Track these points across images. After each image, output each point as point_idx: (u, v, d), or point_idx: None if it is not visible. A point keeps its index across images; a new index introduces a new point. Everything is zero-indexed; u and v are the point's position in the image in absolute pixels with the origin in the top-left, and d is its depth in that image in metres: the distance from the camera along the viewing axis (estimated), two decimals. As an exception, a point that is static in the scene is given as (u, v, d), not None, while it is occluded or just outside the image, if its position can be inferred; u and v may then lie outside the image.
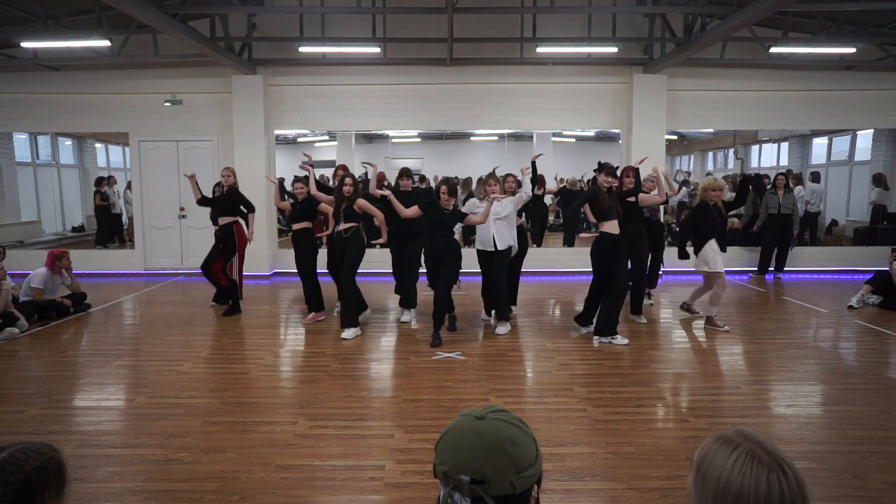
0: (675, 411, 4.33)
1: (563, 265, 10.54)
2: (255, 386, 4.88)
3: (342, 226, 6.36)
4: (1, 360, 5.59)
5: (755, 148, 12.49)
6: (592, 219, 6.22)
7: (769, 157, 12.34)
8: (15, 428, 4.01)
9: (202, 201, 7.41)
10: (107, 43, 8.59)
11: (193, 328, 6.78)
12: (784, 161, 11.77)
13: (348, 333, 6.25)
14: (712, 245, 6.49)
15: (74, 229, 12.49)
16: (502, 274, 6.33)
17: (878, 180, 10.84)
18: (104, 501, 3.08)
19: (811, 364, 5.36)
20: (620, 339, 6.01)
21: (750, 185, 8.43)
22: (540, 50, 9.33)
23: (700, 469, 1.11)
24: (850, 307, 7.53)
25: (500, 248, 6.33)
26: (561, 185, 10.95)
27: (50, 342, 6.28)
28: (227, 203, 7.34)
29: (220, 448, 3.68)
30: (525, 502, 1.04)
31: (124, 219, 11.93)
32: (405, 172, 7.04)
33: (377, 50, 9.44)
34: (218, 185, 8.18)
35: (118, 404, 4.55)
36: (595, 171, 6.15)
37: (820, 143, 11.97)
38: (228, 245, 7.40)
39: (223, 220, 7.37)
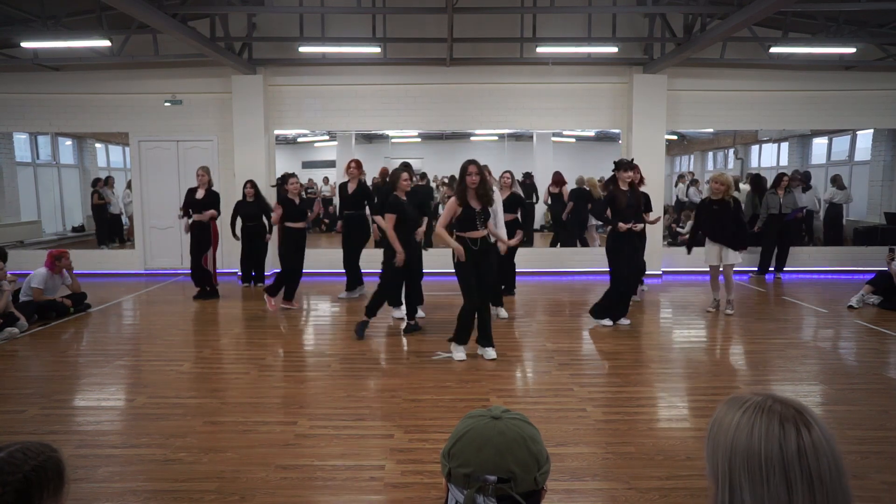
0: (675, 411, 4.33)
1: (562, 265, 10.54)
2: (255, 386, 4.88)
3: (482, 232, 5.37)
4: (1, 360, 5.59)
5: (755, 148, 12.50)
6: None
7: (769, 157, 12.34)
8: (15, 428, 4.01)
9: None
10: (107, 43, 8.59)
11: (193, 328, 6.78)
12: (784, 161, 11.76)
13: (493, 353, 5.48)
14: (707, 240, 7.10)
15: (74, 229, 12.50)
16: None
17: (835, 181, 10.99)
18: (104, 501, 3.08)
19: (811, 364, 5.36)
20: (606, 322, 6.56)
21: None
22: (540, 50, 9.33)
23: (710, 438, 0.97)
24: (850, 307, 7.52)
25: None
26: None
27: (50, 342, 6.28)
28: (207, 203, 8.07)
29: (220, 448, 3.68)
30: (539, 497, 1.07)
31: (124, 219, 11.94)
32: (405, 167, 6.43)
33: (377, 50, 9.44)
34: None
35: (118, 404, 4.56)
36: (613, 170, 6.45)
37: (820, 143, 11.97)
38: (205, 239, 8.08)
39: (200, 217, 8.01)
